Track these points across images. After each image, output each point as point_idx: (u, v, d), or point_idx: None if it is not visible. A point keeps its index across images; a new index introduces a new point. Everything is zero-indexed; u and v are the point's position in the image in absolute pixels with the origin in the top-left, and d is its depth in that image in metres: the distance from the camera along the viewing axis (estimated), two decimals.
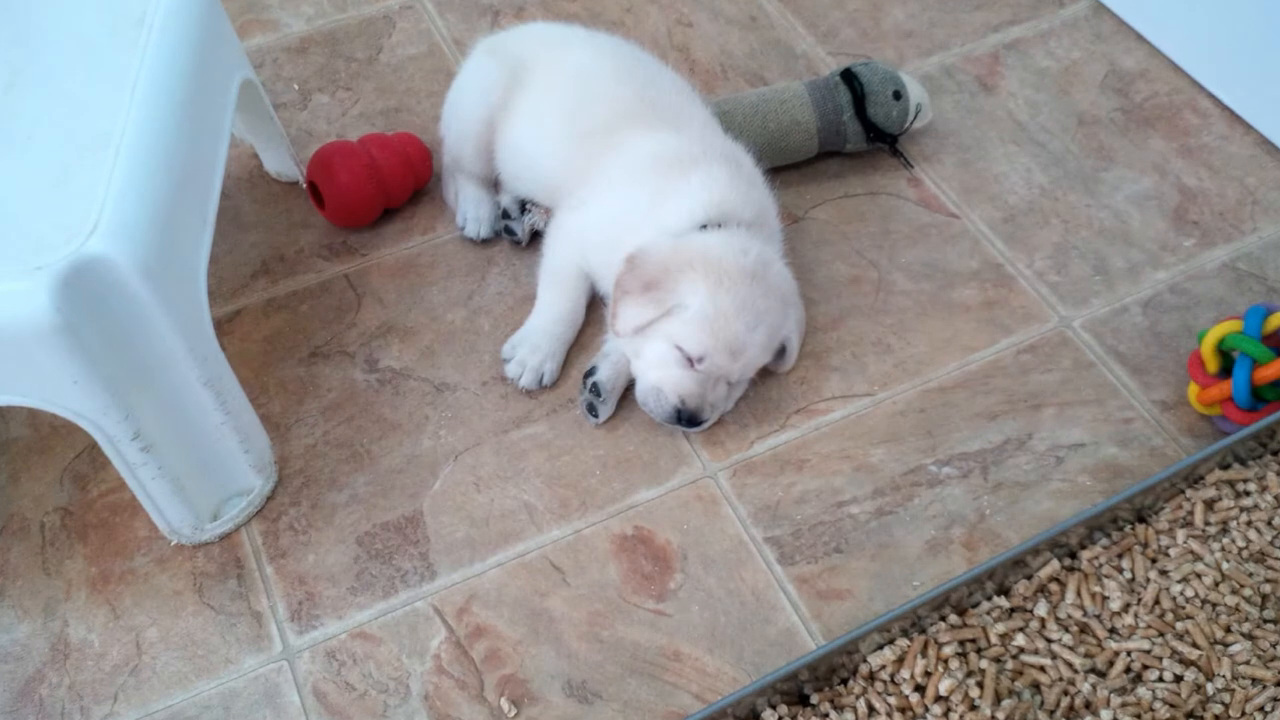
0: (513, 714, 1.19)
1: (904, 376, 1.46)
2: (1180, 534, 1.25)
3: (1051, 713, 1.13)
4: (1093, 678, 1.15)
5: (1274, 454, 1.32)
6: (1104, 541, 1.26)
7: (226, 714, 1.21)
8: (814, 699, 1.16)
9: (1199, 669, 1.15)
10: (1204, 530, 1.26)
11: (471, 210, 1.60)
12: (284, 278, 1.59)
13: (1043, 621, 1.20)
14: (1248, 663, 1.15)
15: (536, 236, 1.57)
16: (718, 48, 1.88)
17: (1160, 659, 1.16)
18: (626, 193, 1.42)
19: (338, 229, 1.64)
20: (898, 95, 1.62)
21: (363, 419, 1.44)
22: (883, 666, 1.17)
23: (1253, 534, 1.25)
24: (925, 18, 1.90)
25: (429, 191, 1.68)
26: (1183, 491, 1.29)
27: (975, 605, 1.22)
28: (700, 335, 1.31)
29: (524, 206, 1.58)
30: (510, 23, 1.86)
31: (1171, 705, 1.13)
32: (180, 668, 1.24)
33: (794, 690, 1.16)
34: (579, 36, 1.58)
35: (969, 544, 1.30)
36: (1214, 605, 1.20)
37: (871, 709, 1.14)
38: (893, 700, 1.14)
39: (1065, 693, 1.15)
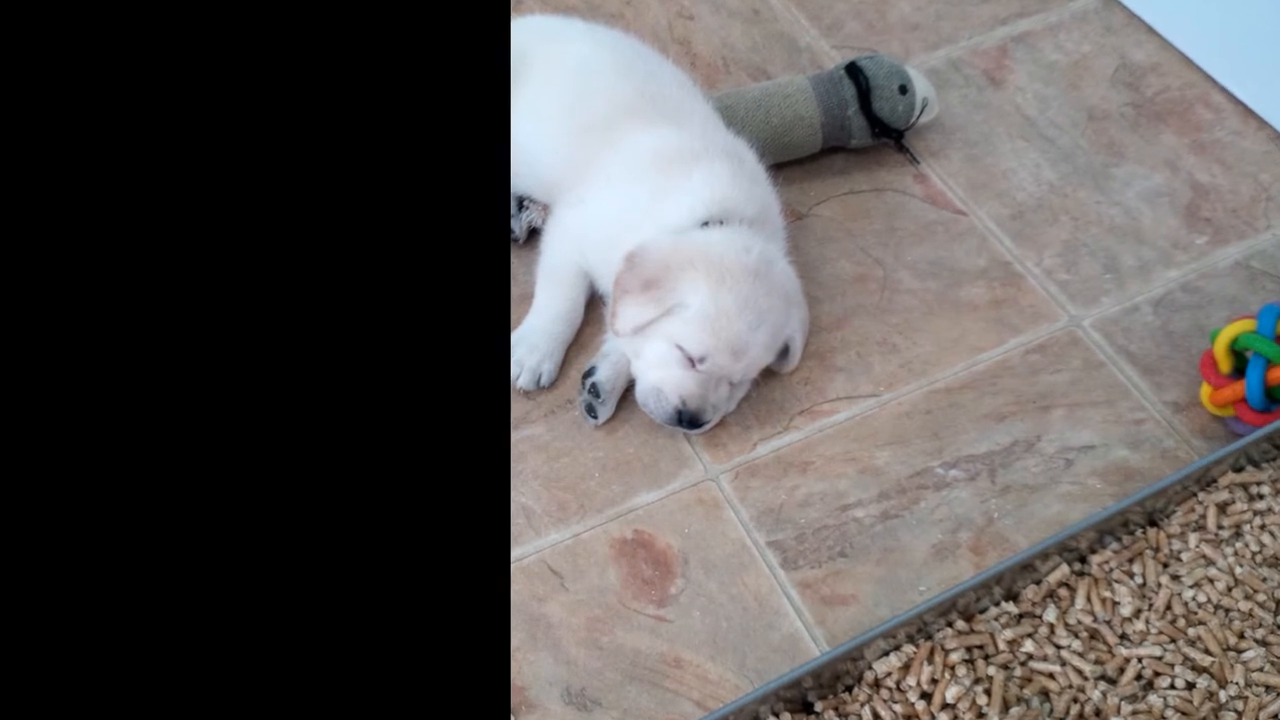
0: None
1: (910, 377, 1.44)
2: (1192, 538, 1.23)
3: None
4: (1103, 685, 1.13)
5: None
6: (1114, 545, 1.23)
7: None
8: (818, 707, 1.14)
9: (1212, 676, 1.13)
10: (1216, 534, 1.23)
11: None
12: None
13: (1052, 627, 1.18)
14: (1261, 669, 1.13)
15: (534, 234, 1.55)
16: (720, 41, 1.86)
17: (1172, 666, 1.14)
18: (626, 189, 1.40)
19: None
20: (903, 89, 1.59)
21: None
22: (888, 673, 1.15)
23: (1266, 538, 1.22)
24: (931, 10, 1.88)
25: None
26: (1195, 495, 1.27)
27: (983, 611, 1.19)
28: (701, 335, 1.29)
29: (521, 203, 1.56)
30: None
31: (1184, 713, 1.11)
32: None
33: (797, 698, 1.14)
34: (578, 29, 1.57)
35: (976, 548, 1.28)
36: (1227, 611, 1.18)
37: (877, 717, 1.12)
38: (898, 708, 1.12)
39: (1075, 700, 1.12)
